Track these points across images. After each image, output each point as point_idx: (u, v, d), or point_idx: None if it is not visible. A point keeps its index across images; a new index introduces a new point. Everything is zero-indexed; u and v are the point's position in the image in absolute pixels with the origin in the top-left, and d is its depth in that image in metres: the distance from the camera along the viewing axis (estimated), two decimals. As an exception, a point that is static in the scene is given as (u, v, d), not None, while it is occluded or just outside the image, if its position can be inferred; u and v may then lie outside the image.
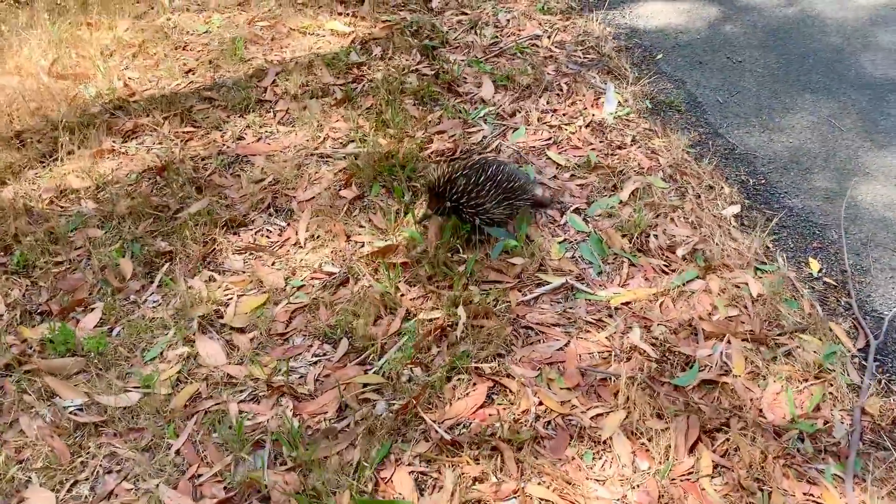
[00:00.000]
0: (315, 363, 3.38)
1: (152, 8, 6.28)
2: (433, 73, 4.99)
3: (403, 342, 3.28)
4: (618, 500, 2.66)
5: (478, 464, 2.82)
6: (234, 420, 3.07)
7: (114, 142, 4.88)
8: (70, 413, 3.20)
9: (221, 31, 5.90)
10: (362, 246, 3.88)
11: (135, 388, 3.29)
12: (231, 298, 3.69)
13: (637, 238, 3.63)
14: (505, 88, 4.87)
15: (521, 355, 3.20)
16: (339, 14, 5.93)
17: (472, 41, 5.36)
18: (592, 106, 4.59)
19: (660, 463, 2.75)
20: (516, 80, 4.85)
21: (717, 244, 3.54)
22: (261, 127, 4.86)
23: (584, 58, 5.10)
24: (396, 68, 5.13)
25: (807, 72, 4.67)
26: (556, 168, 4.18)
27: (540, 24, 5.53)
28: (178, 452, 3.03)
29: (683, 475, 2.71)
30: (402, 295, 3.54)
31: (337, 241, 3.92)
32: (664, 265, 3.53)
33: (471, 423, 2.99)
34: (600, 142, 4.30)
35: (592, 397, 3.03)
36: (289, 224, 4.10)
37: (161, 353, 3.44)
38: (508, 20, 5.62)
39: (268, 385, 3.27)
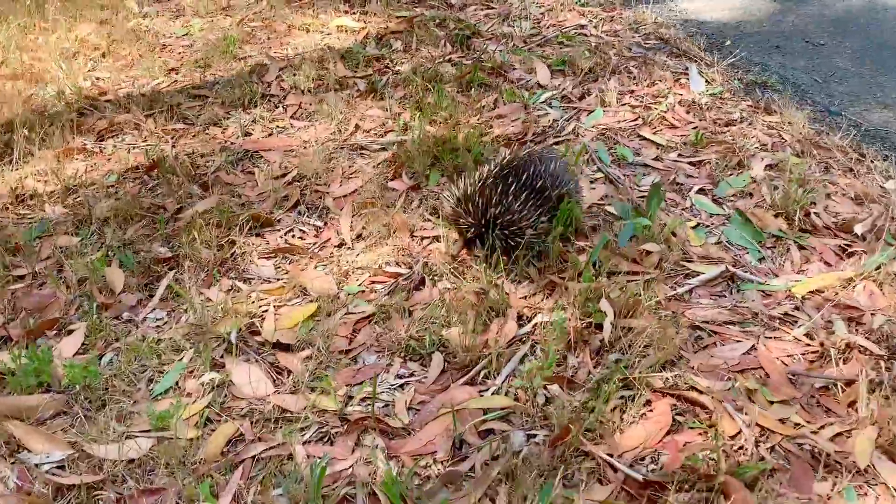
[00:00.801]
0: (401, 387, 2.41)
1: (116, 14, 5.37)
2: (472, 61, 4.21)
3: (531, 351, 2.36)
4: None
5: (694, 511, 1.89)
6: (303, 468, 2.07)
7: (84, 141, 3.89)
8: (47, 472, 2.14)
9: (205, 33, 5.03)
10: (431, 242, 2.97)
11: (143, 432, 2.26)
12: (266, 311, 2.71)
13: (796, 217, 2.83)
14: (562, 74, 4.12)
15: (696, 363, 2.32)
16: (346, 12, 5.15)
17: (509, 32, 4.63)
18: (676, 86, 3.86)
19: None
20: (576, 64, 4.10)
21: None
22: (270, 122, 3.96)
23: (647, 43, 4.42)
24: (426, 59, 4.33)
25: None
26: (658, 148, 3.40)
27: (582, 14, 4.86)
28: (221, 522, 2.00)
29: None
30: (508, 293, 2.63)
31: (398, 237, 3.00)
32: (842, 245, 2.73)
33: (660, 456, 2.06)
34: (700, 120, 3.55)
35: (818, 412, 2.16)
36: (326, 224, 3.17)
37: (176, 384, 2.43)
38: (543, 13, 4.93)
39: (342, 419, 2.28)
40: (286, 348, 2.55)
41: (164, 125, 3.95)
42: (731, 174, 3.18)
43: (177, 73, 4.58)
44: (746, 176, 3.13)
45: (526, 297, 2.62)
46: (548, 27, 4.76)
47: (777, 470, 1.97)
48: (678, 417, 2.16)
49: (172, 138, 3.85)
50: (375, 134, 3.77)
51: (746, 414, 2.12)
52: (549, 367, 2.25)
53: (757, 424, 2.09)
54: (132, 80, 4.51)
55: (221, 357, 2.52)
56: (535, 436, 2.14)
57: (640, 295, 2.46)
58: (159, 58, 4.73)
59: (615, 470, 2.02)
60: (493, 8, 5.09)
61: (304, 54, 4.58)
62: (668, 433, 2.11)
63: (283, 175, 3.49)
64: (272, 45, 4.80)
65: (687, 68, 4.04)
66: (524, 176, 2.61)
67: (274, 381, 2.44)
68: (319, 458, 2.11)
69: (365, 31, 4.87)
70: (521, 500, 1.95)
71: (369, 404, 2.28)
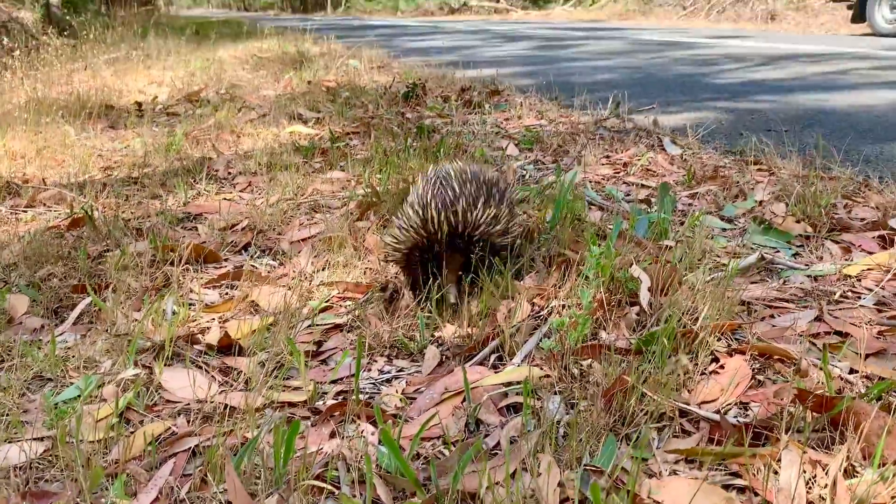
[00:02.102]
0: (388, 381, 1.85)
1: (38, 133, 5.06)
2: (435, 143, 4.01)
3: (556, 325, 1.87)
4: None
5: (816, 449, 1.36)
6: (264, 449, 1.46)
7: (-1, 209, 3.40)
8: None
9: (146, 145, 4.76)
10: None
11: (34, 440, 1.62)
12: (210, 326, 2.16)
13: (823, 220, 2.53)
14: (531, 151, 3.93)
15: (759, 331, 1.86)
16: (299, 117, 5.00)
17: (472, 130, 4.51)
18: (652, 150, 3.70)
19: None
20: (544, 141, 3.94)
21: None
22: (216, 194, 3.58)
23: (612, 129, 4.33)
24: (386, 147, 4.12)
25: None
26: (647, 189, 3.14)
27: (541, 116, 4.81)
28: (138, 522, 1.35)
29: None
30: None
31: (369, 260, 2.55)
32: (883, 237, 2.42)
33: (748, 406, 1.55)
34: (685, 168, 3.34)
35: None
36: (282, 264, 2.70)
37: (86, 396, 1.81)
38: (502, 120, 4.87)
39: (313, 410, 1.70)
40: (237, 353, 1.99)
41: (96, 199, 3.51)
42: (734, 201, 2.90)
43: (113, 170, 4.21)
44: (752, 200, 2.86)
45: (530, 287, 2.16)
46: (508, 127, 4.66)
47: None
48: (757, 376, 1.67)
49: (105, 208, 3.40)
50: (337, 192, 3.41)
51: (838, 360, 1.65)
52: (583, 327, 1.75)
53: (859, 373, 1.61)
54: (63, 173, 4.11)
55: (149, 365, 1.93)
56: (575, 405, 1.60)
57: (676, 264, 2.04)
58: (95, 162, 4.38)
59: (696, 422, 1.48)
60: (447, 118, 5.01)
61: (254, 150, 4.31)
62: (749, 387, 1.61)
63: (232, 227, 3.05)
64: (221, 147, 4.53)
65: (660, 140, 3.91)
66: (472, 180, 2.20)
67: (220, 384, 1.85)
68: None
69: (319, 135, 4.68)
70: (575, 464, 1.39)
71: (351, 392, 1.71)
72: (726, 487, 1.34)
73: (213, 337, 2.06)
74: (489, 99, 5.51)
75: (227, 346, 2.01)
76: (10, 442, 1.59)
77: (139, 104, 6.21)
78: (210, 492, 1.41)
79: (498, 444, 1.53)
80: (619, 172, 3.40)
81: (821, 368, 1.66)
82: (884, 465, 1.30)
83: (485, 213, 2.07)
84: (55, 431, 1.60)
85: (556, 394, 1.63)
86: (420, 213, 2.11)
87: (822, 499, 1.25)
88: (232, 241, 2.88)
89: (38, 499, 1.42)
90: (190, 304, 2.33)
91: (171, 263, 2.55)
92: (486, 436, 1.57)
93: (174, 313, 2.22)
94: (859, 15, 12.00)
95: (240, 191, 3.66)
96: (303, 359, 1.77)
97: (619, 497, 1.24)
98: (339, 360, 1.91)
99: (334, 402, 1.71)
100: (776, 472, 1.32)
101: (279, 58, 9.17)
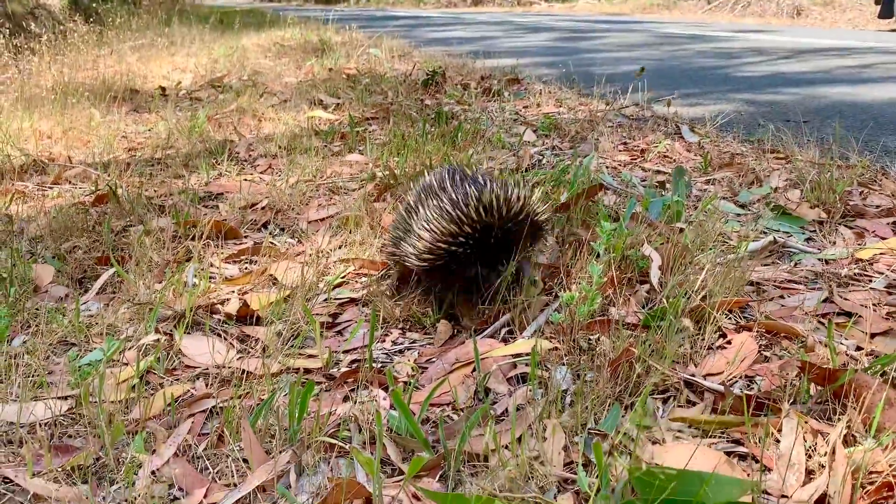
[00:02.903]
0: (400, 352, 1.90)
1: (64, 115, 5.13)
2: (453, 129, 4.04)
3: (566, 300, 1.89)
4: None
5: (819, 420, 1.38)
6: (281, 410, 1.51)
7: (25, 185, 3.48)
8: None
9: (171, 128, 4.83)
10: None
11: (59, 398, 1.68)
12: (229, 298, 2.22)
13: (837, 206, 2.54)
14: (548, 137, 3.94)
15: (768, 310, 1.88)
16: (319, 102, 5.05)
17: (491, 116, 4.53)
18: (669, 138, 3.71)
19: None
20: (563, 128, 3.96)
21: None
22: (237, 174, 3.63)
23: (631, 117, 4.34)
24: (405, 130, 4.16)
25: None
26: (664, 175, 3.15)
27: (560, 104, 4.82)
28: (155, 475, 1.41)
29: None
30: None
31: (388, 236, 2.59)
32: (894, 224, 2.43)
33: (753, 379, 1.57)
34: (699, 157, 3.34)
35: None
36: (300, 241, 2.75)
37: (108, 357, 1.86)
38: (521, 108, 4.88)
39: (327, 377, 1.75)
40: (255, 323, 2.04)
41: (120, 178, 3.58)
42: (750, 188, 2.91)
43: (137, 151, 4.29)
44: (767, 186, 2.87)
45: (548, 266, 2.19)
46: (527, 115, 4.68)
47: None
48: (764, 352, 1.70)
49: (129, 187, 3.47)
50: (355, 175, 3.45)
51: (845, 339, 1.67)
52: (592, 301, 1.78)
53: (864, 351, 1.63)
54: (88, 152, 4.19)
55: (170, 332, 1.98)
56: (582, 376, 1.64)
57: (688, 245, 2.07)
58: (120, 143, 4.46)
59: (701, 394, 1.51)
60: (467, 106, 5.03)
61: (275, 134, 4.36)
62: (755, 363, 1.63)
63: (252, 206, 3.11)
64: (243, 130, 4.59)
65: (678, 129, 3.92)
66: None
67: (238, 351, 1.90)
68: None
69: (339, 120, 4.73)
70: (580, 429, 1.42)
71: (364, 360, 1.76)
72: (728, 454, 1.36)
73: (232, 307, 2.11)
74: (508, 87, 5.52)
75: (245, 316, 2.06)
76: (36, 399, 1.65)
77: (163, 89, 6.30)
78: (226, 448, 1.46)
79: (506, 411, 1.57)
80: (635, 159, 3.41)
81: (826, 345, 1.68)
82: (880, 431, 1.32)
83: (522, 192, 2.02)
84: (79, 391, 1.65)
85: (563, 365, 1.66)
86: (471, 204, 1.89)
87: (822, 466, 1.27)
88: (252, 220, 2.94)
89: (62, 452, 1.48)
90: (210, 277, 2.38)
91: (193, 238, 2.61)
92: (494, 403, 1.61)
93: (194, 285, 2.28)
94: (887, 10, 11.85)
95: (260, 172, 3.72)
96: (318, 327, 1.82)
97: (621, 458, 1.28)
98: (353, 331, 1.96)
99: (348, 369, 1.75)
100: (777, 441, 1.34)
101: (301, 46, 9.23)
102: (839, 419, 1.35)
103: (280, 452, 1.39)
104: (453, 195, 1.93)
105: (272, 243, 2.72)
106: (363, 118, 4.68)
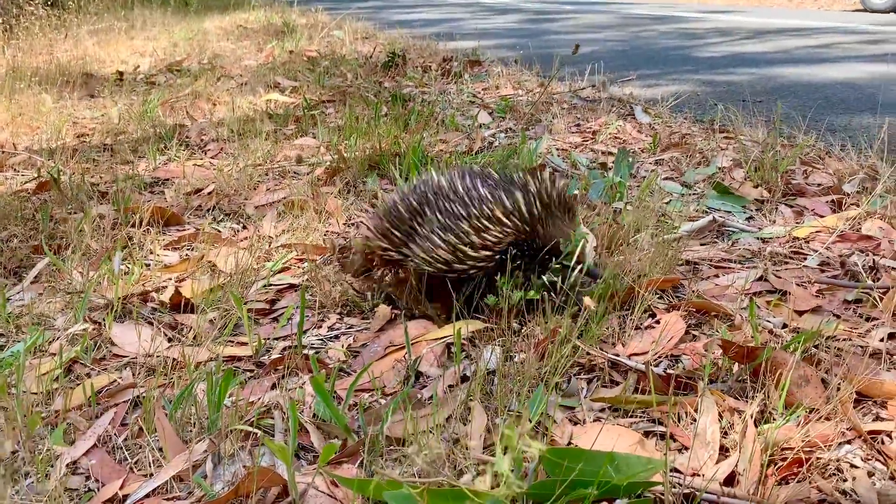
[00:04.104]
0: (335, 338, 1.88)
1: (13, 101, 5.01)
2: (408, 111, 4.00)
3: (501, 284, 1.88)
4: None
5: (738, 399, 1.39)
6: (201, 398, 1.49)
7: (-40, 174, 3.40)
8: None
9: (123, 113, 4.73)
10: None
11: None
12: (166, 286, 2.18)
13: (779, 185, 2.55)
14: (503, 119, 3.93)
15: (700, 289, 1.89)
16: (276, 86, 4.99)
17: (449, 99, 4.50)
18: (623, 119, 3.71)
19: None
20: (518, 109, 3.94)
21: (891, 179, 2.52)
22: (187, 159, 3.57)
23: (586, 98, 4.33)
24: (360, 114, 4.11)
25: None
26: (613, 156, 3.14)
27: (518, 87, 4.80)
28: (74, 466, 1.38)
29: None
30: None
31: (334, 221, 2.57)
32: (835, 201, 2.44)
33: (678, 362, 1.58)
34: (650, 137, 3.35)
35: (853, 318, 1.74)
36: (245, 227, 2.72)
37: (28, 348, 1.82)
38: (480, 91, 4.86)
39: (257, 364, 1.73)
40: (188, 311, 2.01)
41: (66, 164, 3.51)
42: (696, 167, 2.92)
43: (88, 137, 4.20)
44: (714, 166, 2.88)
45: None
46: (485, 97, 4.65)
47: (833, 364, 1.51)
48: (692, 331, 1.70)
49: (74, 173, 3.40)
50: (307, 158, 3.41)
51: (773, 317, 1.68)
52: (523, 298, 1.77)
53: (790, 329, 1.65)
54: (35, 139, 4.10)
55: (101, 321, 1.95)
56: (513, 357, 1.63)
57: (625, 225, 2.07)
58: (70, 129, 4.36)
59: (624, 371, 1.52)
60: (426, 89, 5.00)
61: (229, 118, 4.29)
62: (681, 342, 1.64)
63: (198, 191, 3.06)
64: (196, 115, 4.51)
65: (632, 110, 3.92)
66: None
67: (169, 339, 1.88)
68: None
69: (295, 104, 4.67)
70: (503, 411, 1.42)
71: (294, 347, 1.74)
72: (648, 434, 1.37)
73: (166, 295, 2.08)
74: (469, 69, 5.49)
75: (179, 304, 2.03)
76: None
77: (120, 73, 6.18)
78: (146, 439, 1.44)
79: (436, 393, 1.56)
80: (587, 140, 3.41)
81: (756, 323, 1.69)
82: (788, 407, 1.33)
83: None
84: (-1, 383, 1.62)
85: (494, 346, 1.65)
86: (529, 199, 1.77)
87: (737, 444, 1.28)
88: (197, 205, 2.89)
89: (-25, 446, 1.44)
90: (146, 264, 2.34)
91: (133, 225, 2.57)
92: (424, 387, 1.60)
93: (126, 272, 2.24)
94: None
95: (211, 157, 3.66)
96: (246, 313, 1.80)
97: (536, 441, 1.27)
98: (283, 317, 1.93)
99: (278, 356, 1.74)
100: (695, 420, 1.35)
101: (264, 29, 9.11)
102: (755, 397, 1.36)
103: (197, 442, 1.37)
104: (508, 201, 1.75)
105: (216, 229, 2.68)
106: (320, 101, 4.62)
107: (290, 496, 1.24)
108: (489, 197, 1.78)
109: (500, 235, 1.74)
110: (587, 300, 1.66)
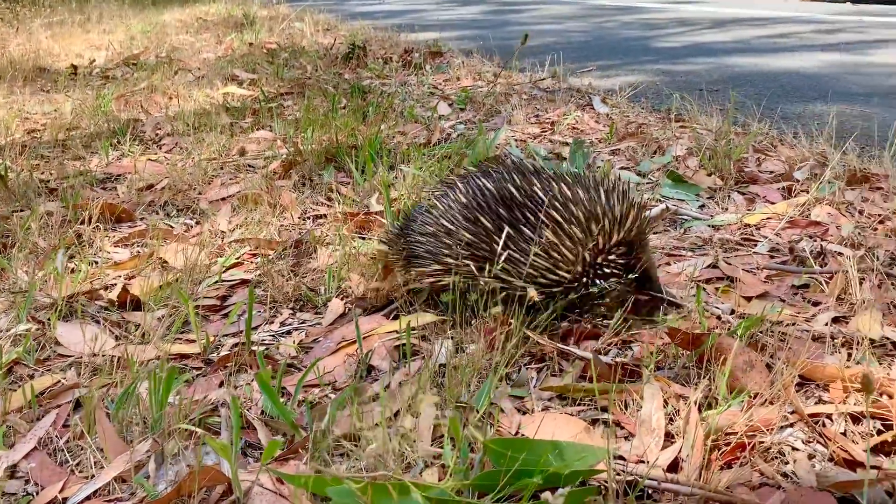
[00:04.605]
0: (287, 333, 1.86)
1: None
2: (367, 103, 3.97)
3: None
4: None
5: (684, 385, 1.41)
6: (145, 397, 1.46)
7: None
8: None
9: (76, 108, 4.63)
10: (323, 218, 2.53)
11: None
12: (115, 284, 2.14)
13: (731, 173, 2.58)
14: (464, 111, 3.92)
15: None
16: (233, 78, 4.92)
17: (408, 91, 4.47)
18: (582, 109, 3.72)
19: None
20: (478, 101, 3.93)
21: (837, 165, 2.56)
22: (142, 154, 3.51)
23: (546, 89, 4.34)
24: (318, 106, 4.07)
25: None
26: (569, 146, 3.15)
27: (479, 77, 4.79)
28: (13, 469, 1.35)
29: None
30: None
31: (288, 215, 2.54)
32: (786, 187, 2.48)
33: (630, 349, 1.59)
34: (608, 127, 3.36)
35: (804, 305, 1.76)
36: (198, 222, 2.68)
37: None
38: (441, 81, 4.84)
39: (206, 362, 1.70)
40: (137, 308, 1.97)
41: (14, 160, 3.42)
42: (652, 157, 2.94)
43: (37, 134, 4.10)
44: (669, 155, 2.90)
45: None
46: (446, 88, 4.64)
47: (778, 348, 1.52)
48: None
49: (22, 170, 3.32)
50: (263, 152, 3.37)
51: (722, 303, 1.70)
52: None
53: (737, 315, 1.66)
54: (-18, 135, 3.99)
55: (46, 321, 1.90)
56: (465, 349, 1.63)
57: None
58: (20, 125, 4.25)
59: (572, 361, 1.52)
60: (386, 79, 4.97)
61: (186, 111, 4.22)
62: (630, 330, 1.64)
63: (150, 186, 3.01)
64: (151, 109, 4.44)
65: (590, 100, 3.94)
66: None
67: (117, 337, 1.84)
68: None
69: (253, 96, 4.61)
70: (451, 404, 1.41)
71: (243, 344, 1.72)
72: (595, 422, 1.37)
73: (114, 293, 2.03)
74: (430, 61, 5.47)
75: (128, 302, 1.99)
76: None
77: (75, 67, 6.04)
78: (87, 440, 1.41)
79: (388, 386, 1.55)
80: (545, 131, 3.41)
81: (704, 310, 1.71)
82: (732, 391, 1.35)
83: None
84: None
85: (444, 339, 1.65)
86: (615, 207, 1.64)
87: (681, 430, 1.29)
88: (150, 201, 2.84)
89: None
90: (93, 262, 2.30)
91: (83, 223, 2.51)
92: (375, 381, 1.59)
93: (73, 270, 2.19)
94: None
95: (166, 152, 3.60)
96: (193, 310, 1.77)
97: (483, 432, 1.27)
98: (232, 313, 1.91)
99: (227, 353, 1.71)
100: (642, 407, 1.36)
101: (224, 21, 8.99)
102: (699, 383, 1.37)
103: (140, 442, 1.34)
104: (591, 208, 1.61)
105: (168, 225, 2.64)
106: (278, 93, 4.57)
107: (234, 494, 1.22)
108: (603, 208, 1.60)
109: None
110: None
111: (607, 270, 1.61)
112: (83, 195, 2.80)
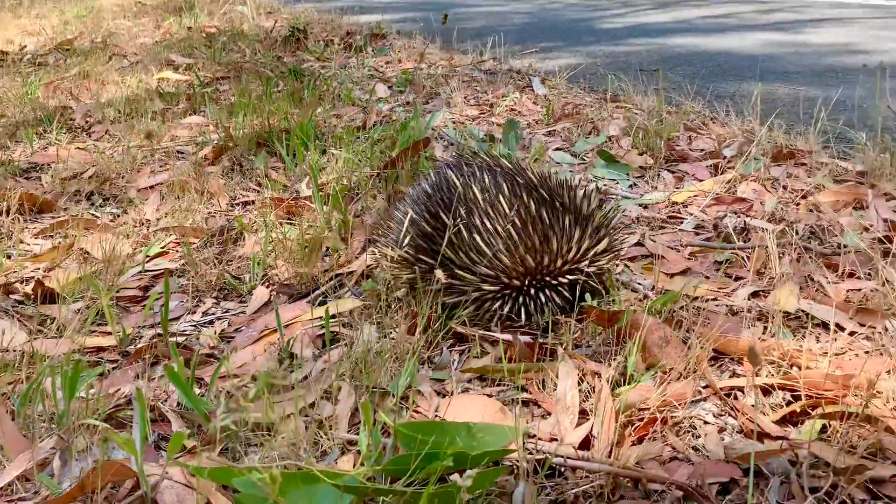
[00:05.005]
0: (209, 323, 1.82)
1: None
2: (304, 85, 3.91)
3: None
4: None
5: (601, 363, 1.41)
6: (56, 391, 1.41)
7: None
8: None
9: (1, 96, 4.45)
10: (252, 204, 2.48)
11: None
12: (32, 276, 2.07)
13: (661, 152, 2.60)
14: (403, 93, 3.88)
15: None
16: (169, 64, 4.80)
17: (348, 73, 4.41)
18: (521, 91, 3.72)
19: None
20: (417, 83, 3.90)
21: (765, 142, 2.60)
22: (70, 142, 3.40)
23: (487, 73, 4.32)
24: (255, 89, 3.99)
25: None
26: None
27: (421, 59, 4.75)
28: None
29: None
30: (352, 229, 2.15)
31: (216, 202, 2.49)
32: (714, 165, 2.51)
33: (556, 325, 1.59)
34: (543, 108, 3.36)
35: (725, 280, 1.79)
36: (126, 212, 2.60)
37: None
38: (382, 64, 4.79)
39: (123, 354, 1.66)
40: (51, 302, 1.91)
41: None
42: (587, 137, 2.94)
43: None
44: (603, 135, 2.91)
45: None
46: (387, 71, 4.59)
47: (695, 323, 1.54)
48: (566, 299, 1.71)
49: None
50: (193, 142, 3.29)
51: (644, 279, 1.71)
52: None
53: (658, 291, 1.68)
54: None
55: (-45, 317, 1.83)
56: (390, 333, 1.61)
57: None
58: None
59: (493, 342, 1.51)
60: (327, 62, 4.89)
61: (118, 98, 4.10)
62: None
63: (74, 175, 2.91)
64: (82, 96, 4.30)
65: (530, 82, 3.93)
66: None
67: (30, 331, 1.78)
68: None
69: (188, 81, 4.49)
70: (368, 391, 1.40)
71: (160, 336, 1.67)
72: (514, 402, 1.37)
73: (31, 286, 1.97)
74: (372, 43, 5.40)
75: (46, 295, 1.92)
76: None
77: (4, 53, 5.83)
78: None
79: (309, 374, 1.53)
80: (484, 113, 3.40)
81: (626, 286, 1.72)
82: (650, 368, 1.36)
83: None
84: None
85: (368, 324, 1.63)
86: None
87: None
88: (76, 191, 2.75)
89: None
90: (8, 256, 2.22)
91: (1, 214, 2.42)
92: (298, 368, 1.57)
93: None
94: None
95: (95, 139, 3.49)
96: (108, 301, 1.71)
97: (394, 417, 1.26)
98: (162, 304, 1.86)
99: (144, 345, 1.66)
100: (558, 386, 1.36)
101: (163, 4, 8.75)
102: (613, 360, 1.37)
103: (44, 439, 1.30)
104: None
105: (94, 215, 2.56)
106: (214, 78, 4.47)
107: (141, 489, 1.19)
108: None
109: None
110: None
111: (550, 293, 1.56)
112: (3, 185, 2.70)
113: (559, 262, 1.55)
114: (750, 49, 5.11)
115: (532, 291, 1.54)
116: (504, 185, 1.62)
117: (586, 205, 1.64)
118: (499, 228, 1.55)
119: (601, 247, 1.58)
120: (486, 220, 1.56)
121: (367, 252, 1.89)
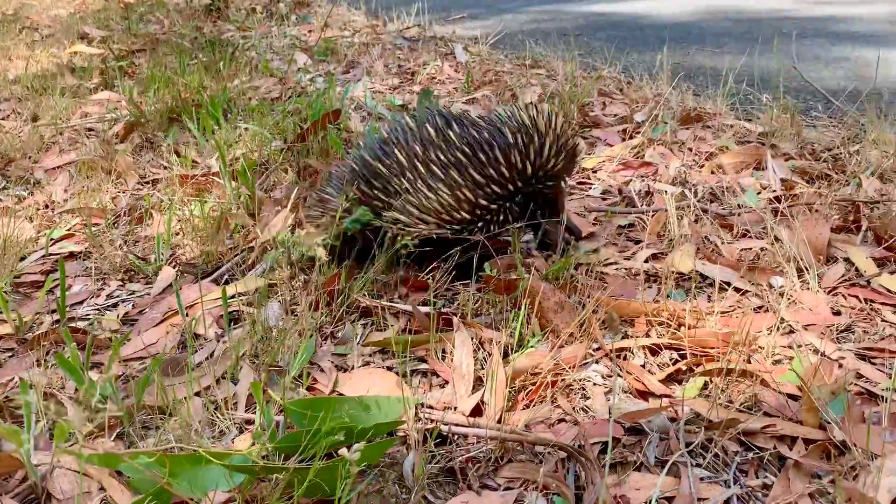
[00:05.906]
0: (113, 306, 1.79)
1: None
2: (222, 56, 3.81)
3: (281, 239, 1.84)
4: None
5: (498, 330, 1.44)
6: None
7: None
8: None
9: None
10: (161, 182, 2.43)
11: None
12: (-72, 264, 1.99)
13: (576, 119, 2.63)
14: (325, 63, 3.82)
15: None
16: (83, 38, 4.62)
17: (269, 43, 4.32)
18: (444, 58, 3.70)
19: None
20: (339, 53, 3.84)
21: (675, 106, 2.65)
22: (-31, 123, 3.26)
23: (411, 39, 4.28)
24: (171, 62, 3.87)
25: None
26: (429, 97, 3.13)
27: (345, 27, 4.68)
28: None
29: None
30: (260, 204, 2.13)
31: (123, 181, 2.42)
32: (625, 130, 2.54)
33: (455, 295, 1.61)
34: (464, 76, 3.36)
35: (627, 245, 1.83)
36: (32, 193, 2.52)
37: None
38: (305, 32, 4.70)
39: (21, 341, 1.62)
40: (-52, 290, 1.84)
41: None
42: (506, 104, 2.95)
43: None
44: (521, 103, 2.91)
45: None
46: (310, 40, 4.50)
47: (592, 287, 1.57)
48: (472, 268, 1.73)
49: None
50: (104, 119, 3.18)
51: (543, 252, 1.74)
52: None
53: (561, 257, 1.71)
54: None
55: None
56: (295, 309, 1.61)
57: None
58: None
59: (397, 315, 1.53)
60: (247, 32, 4.78)
61: (25, 75, 3.94)
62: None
63: (-21, 158, 2.80)
64: (-14, 73, 4.11)
65: (453, 49, 3.91)
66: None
67: (-78, 323, 1.72)
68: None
69: (103, 55, 4.34)
70: (267, 369, 1.39)
71: (58, 322, 1.64)
72: (413, 373, 1.39)
73: (-76, 276, 1.90)
74: (296, 11, 5.30)
75: (-61, 283, 1.86)
76: None
77: None
78: None
79: (213, 354, 1.52)
80: (405, 82, 3.37)
81: (532, 255, 1.75)
82: (544, 334, 1.39)
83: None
84: None
85: (275, 302, 1.62)
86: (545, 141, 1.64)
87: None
88: (-23, 173, 2.65)
89: None
90: None
91: None
92: (201, 348, 1.55)
93: None
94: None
95: (1, 119, 3.35)
96: (0, 287, 1.67)
97: (283, 394, 1.26)
98: (43, 291, 1.81)
99: (42, 331, 1.63)
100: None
101: (79, -27, 8.39)
102: (508, 327, 1.40)
103: (-72, 434, 1.27)
104: (497, 140, 1.62)
105: (-2, 199, 2.47)
106: (130, 51, 4.32)
107: (30, 479, 1.17)
108: (508, 142, 1.61)
109: (512, 186, 1.59)
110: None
111: (502, 217, 1.62)
112: None
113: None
114: (680, 16, 5.16)
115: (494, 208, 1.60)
116: (452, 122, 1.68)
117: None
118: (459, 156, 1.60)
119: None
120: (438, 154, 1.61)
121: (303, 208, 1.89)
